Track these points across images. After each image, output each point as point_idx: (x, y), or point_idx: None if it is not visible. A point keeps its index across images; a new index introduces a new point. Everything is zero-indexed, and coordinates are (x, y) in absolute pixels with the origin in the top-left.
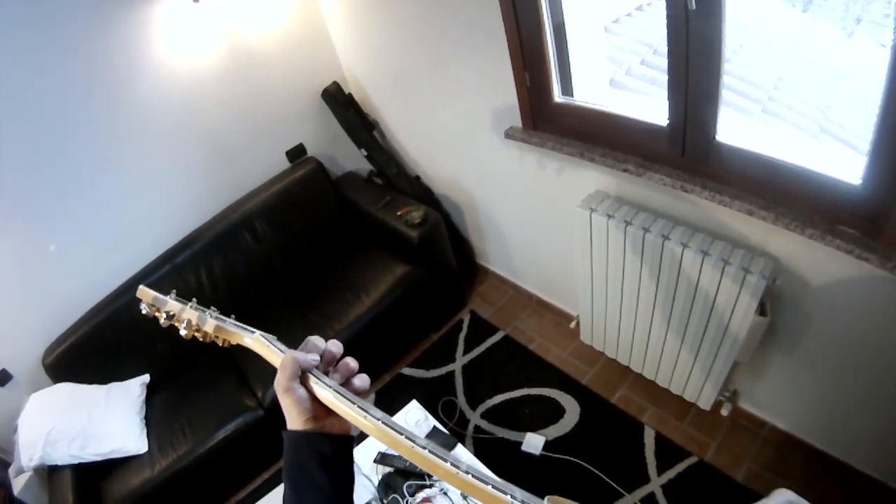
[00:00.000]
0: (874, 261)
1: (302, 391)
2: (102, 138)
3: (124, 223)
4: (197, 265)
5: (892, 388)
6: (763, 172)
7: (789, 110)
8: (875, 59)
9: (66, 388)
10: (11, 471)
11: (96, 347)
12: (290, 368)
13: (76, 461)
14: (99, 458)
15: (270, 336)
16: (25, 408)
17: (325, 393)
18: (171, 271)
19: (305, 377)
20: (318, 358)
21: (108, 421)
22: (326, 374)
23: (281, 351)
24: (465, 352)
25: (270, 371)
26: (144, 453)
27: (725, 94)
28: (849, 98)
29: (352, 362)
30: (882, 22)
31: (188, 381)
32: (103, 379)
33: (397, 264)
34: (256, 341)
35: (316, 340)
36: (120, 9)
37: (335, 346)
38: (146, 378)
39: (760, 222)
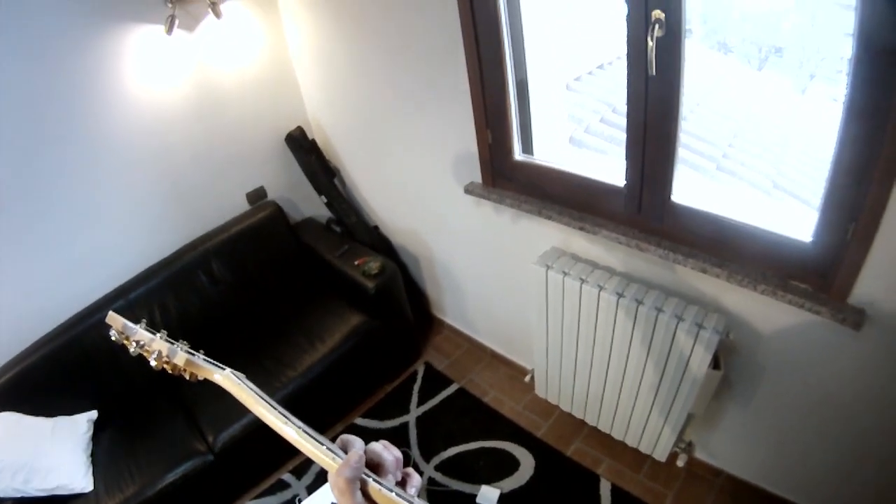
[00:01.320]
0: (825, 313)
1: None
2: (61, 164)
3: (79, 254)
4: (151, 302)
5: (843, 429)
6: (717, 231)
7: (743, 167)
8: (827, 116)
9: (10, 418)
10: None
11: (43, 378)
12: (349, 496)
13: (19, 495)
14: (43, 494)
15: (240, 374)
16: None
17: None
18: (125, 306)
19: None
20: (360, 465)
21: (53, 455)
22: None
23: (252, 390)
24: (420, 403)
25: (221, 414)
26: (90, 492)
27: (682, 153)
28: (801, 154)
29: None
30: (834, 77)
31: (137, 420)
32: (49, 411)
33: (353, 313)
34: (227, 378)
35: (358, 445)
36: (94, 34)
37: (397, 452)
38: (94, 414)
39: (714, 279)
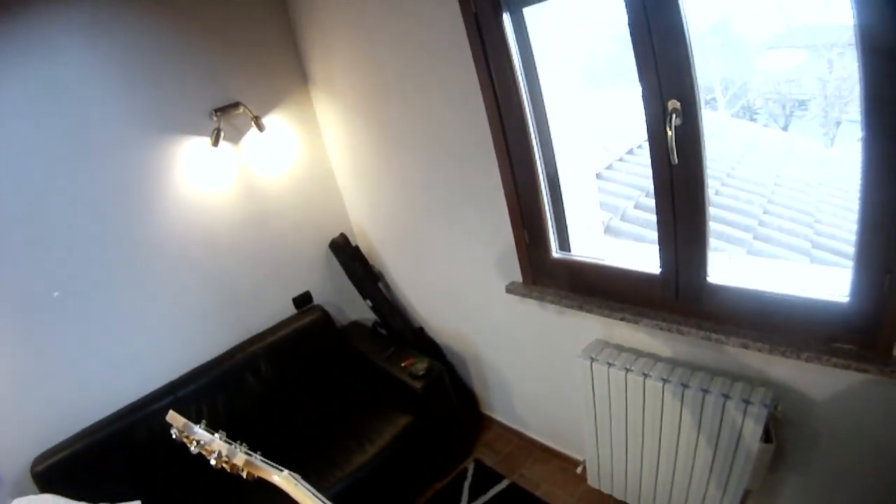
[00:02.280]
0: (873, 370)
1: None
2: (118, 265)
3: (131, 349)
4: (200, 400)
5: None
6: (755, 305)
7: (780, 231)
8: (856, 165)
9: (53, 500)
10: None
11: (89, 465)
12: None
13: None
14: None
15: (296, 475)
16: None
17: None
18: (173, 403)
19: None
20: None
21: None
22: None
23: (308, 490)
24: (471, 500)
25: None
26: None
27: (718, 227)
28: (836, 208)
29: None
30: (861, 119)
31: None
32: (92, 498)
33: (401, 414)
34: (286, 480)
35: None
36: (148, 146)
37: None
38: None
39: (757, 353)
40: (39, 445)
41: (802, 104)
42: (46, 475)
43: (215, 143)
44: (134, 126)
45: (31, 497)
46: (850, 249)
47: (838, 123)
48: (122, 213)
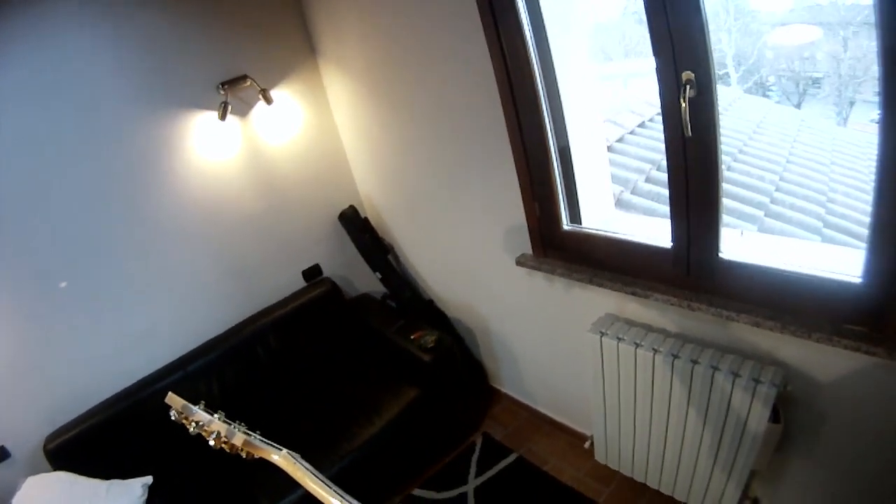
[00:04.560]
0: (882, 353)
1: None
2: (127, 239)
3: (141, 325)
4: (209, 374)
5: None
6: (767, 283)
7: (792, 209)
8: (868, 145)
9: (66, 478)
10: None
11: (101, 442)
12: None
13: None
14: None
15: (296, 454)
16: (21, 489)
17: None
18: (183, 378)
19: None
20: None
21: None
22: None
23: (307, 469)
24: (478, 474)
25: (279, 490)
26: None
27: (730, 203)
28: (848, 188)
29: None
30: (874, 100)
31: (192, 489)
32: (103, 474)
33: (410, 387)
34: (285, 459)
35: None
36: (156, 118)
37: None
38: (149, 480)
39: (768, 332)
40: (51, 423)
41: (816, 82)
42: (59, 452)
43: (223, 116)
44: (139, 102)
45: (44, 475)
46: (862, 230)
47: (852, 103)
48: (130, 190)
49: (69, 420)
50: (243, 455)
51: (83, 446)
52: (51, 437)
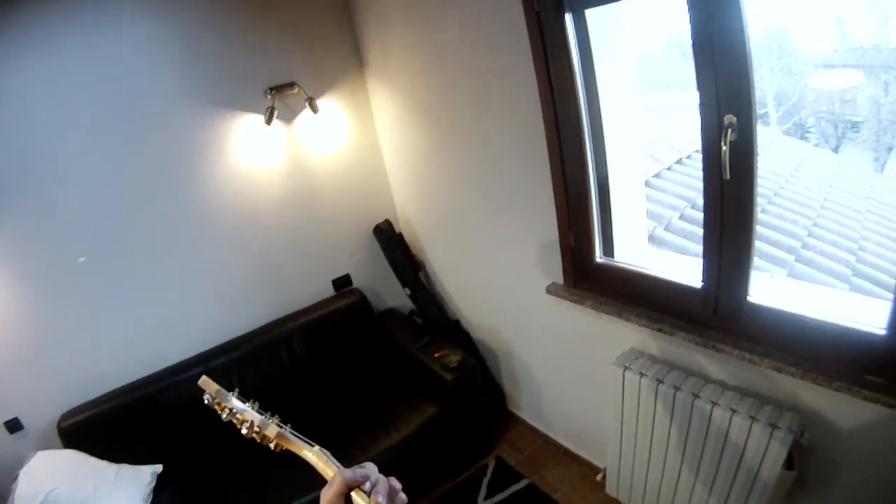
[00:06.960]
0: None
1: None
2: (164, 230)
3: (168, 316)
4: (230, 372)
5: None
6: (792, 329)
7: (822, 256)
8: None
9: (76, 456)
10: None
11: (114, 426)
12: (338, 486)
13: None
14: None
15: (327, 451)
16: (30, 462)
17: None
18: (204, 372)
19: (349, 497)
20: (367, 475)
21: (112, 499)
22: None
23: (339, 468)
24: (487, 496)
25: (291, 495)
26: None
27: (762, 246)
28: (881, 237)
29: (396, 483)
30: None
31: (200, 486)
32: (114, 458)
33: (429, 404)
34: (317, 455)
35: (371, 467)
36: (202, 115)
37: (396, 483)
38: (158, 468)
39: (788, 378)
40: (67, 403)
41: (855, 126)
42: (71, 432)
43: (268, 121)
44: (186, 98)
45: (54, 451)
46: (892, 281)
47: (890, 149)
48: (170, 182)
49: (85, 401)
50: (272, 447)
51: (96, 429)
52: (66, 416)
